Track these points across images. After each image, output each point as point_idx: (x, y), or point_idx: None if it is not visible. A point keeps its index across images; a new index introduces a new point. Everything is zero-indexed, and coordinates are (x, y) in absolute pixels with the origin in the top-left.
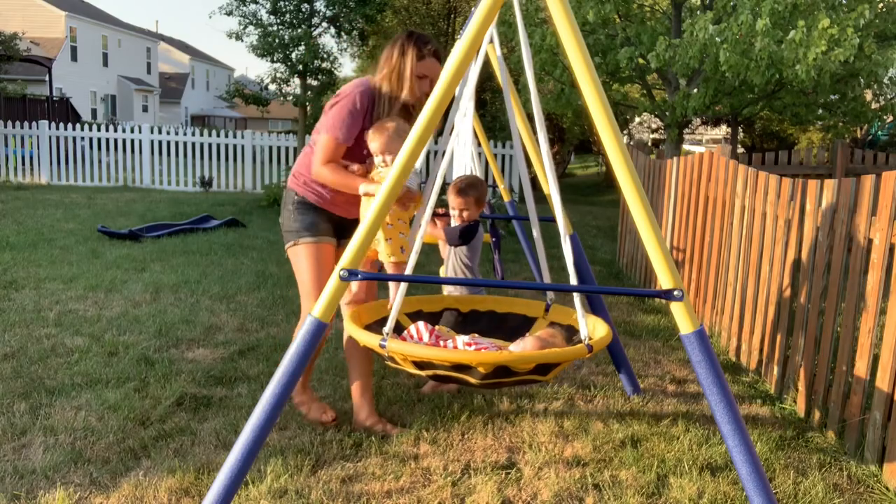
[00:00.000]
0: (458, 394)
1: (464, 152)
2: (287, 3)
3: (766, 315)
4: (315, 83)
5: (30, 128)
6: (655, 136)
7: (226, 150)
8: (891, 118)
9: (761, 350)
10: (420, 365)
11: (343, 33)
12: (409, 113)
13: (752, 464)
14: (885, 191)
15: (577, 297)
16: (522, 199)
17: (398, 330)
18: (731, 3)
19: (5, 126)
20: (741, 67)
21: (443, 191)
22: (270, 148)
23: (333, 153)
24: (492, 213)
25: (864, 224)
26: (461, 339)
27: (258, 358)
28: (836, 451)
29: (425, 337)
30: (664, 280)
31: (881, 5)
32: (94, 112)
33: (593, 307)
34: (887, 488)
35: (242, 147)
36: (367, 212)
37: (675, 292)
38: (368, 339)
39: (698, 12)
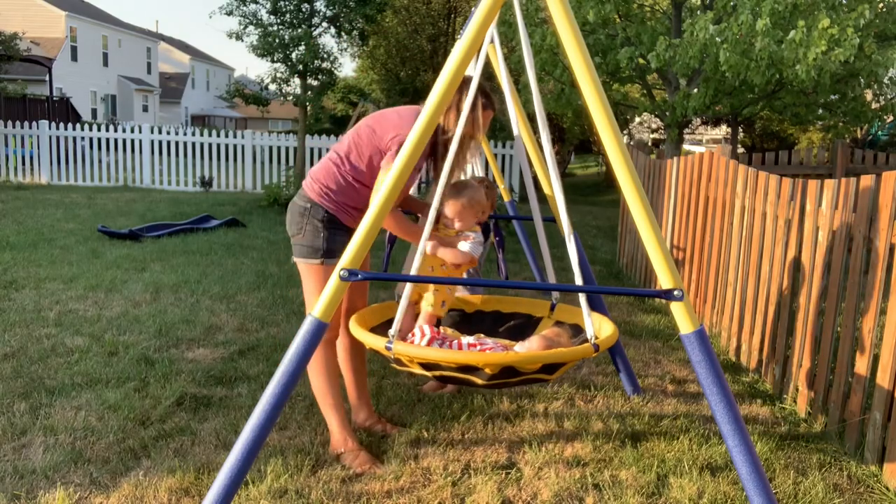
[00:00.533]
0: (457, 394)
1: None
2: (287, 3)
3: (766, 315)
4: (315, 83)
5: (30, 128)
6: (655, 136)
7: (226, 150)
8: (891, 118)
9: (761, 350)
10: (426, 366)
11: (343, 33)
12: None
13: (752, 464)
14: (885, 191)
15: (582, 297)
16: (522, 199)
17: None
18: (732, 3)
19: (5, 126)
20: (741, 67)
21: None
22: (270, 148)
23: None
24: (493, 213)
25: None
26: (466, 340)
27: (258, 358)
28: (836, 451)
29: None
30: (664, 280)
31: (881, 5)
32: (94, 112)
33: (593, 307)
34: (887, 488)
35: (242, 147)
36: (368, 211)
37: (675, 292)
38: (374, 342)
39: (698, 12)
